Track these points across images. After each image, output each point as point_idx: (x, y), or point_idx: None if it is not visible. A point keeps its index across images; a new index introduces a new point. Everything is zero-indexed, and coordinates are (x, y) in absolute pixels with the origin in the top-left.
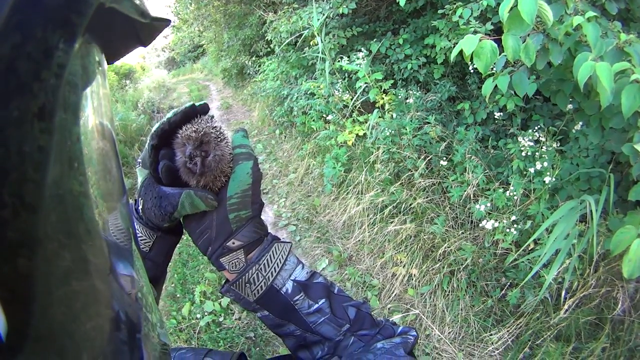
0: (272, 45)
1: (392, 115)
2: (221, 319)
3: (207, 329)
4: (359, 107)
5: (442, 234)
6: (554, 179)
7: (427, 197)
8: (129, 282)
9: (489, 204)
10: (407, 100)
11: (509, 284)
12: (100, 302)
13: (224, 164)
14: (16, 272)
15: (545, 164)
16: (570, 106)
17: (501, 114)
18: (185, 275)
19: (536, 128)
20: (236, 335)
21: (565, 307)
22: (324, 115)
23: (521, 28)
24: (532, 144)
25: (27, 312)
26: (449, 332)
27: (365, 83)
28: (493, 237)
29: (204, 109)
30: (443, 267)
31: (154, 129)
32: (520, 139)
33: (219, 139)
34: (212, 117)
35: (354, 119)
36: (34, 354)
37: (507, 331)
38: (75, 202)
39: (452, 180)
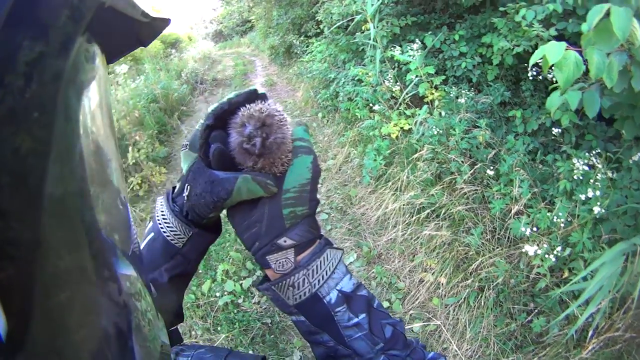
0: (322, 27)
1: (440, 113)
2: (240, 301)
3: (224, 308)
4: (407, 100)
5: (477, 246)
6: (603, 210)
7: (467, 205)
8: (124, 281)
9: (534, 228)
10: (458, 99)
11: (536, 310)
12: (95, 313)
13: (285, 149)
14: (13, 273)
15: (598, 192)
16: None
17: (558, 130)
18: (210, 251)
19: (593, 152)
20: (253, 320)
21: (590, 347)
22: (370, 104)
23: (609, 44)
24: (586, 167)
25: (27, 313)
26: (467, 349)
27: (417, 76)
28: (530, 261)
29: (264, 99)
30: (473, 282)
31: (210, 109)
32: (574, 160)
33: (281, 122)
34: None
35: (400, 112)
36: (33, 353)
37: (525, 359)
38: (73, 203)
39: (496, 191)
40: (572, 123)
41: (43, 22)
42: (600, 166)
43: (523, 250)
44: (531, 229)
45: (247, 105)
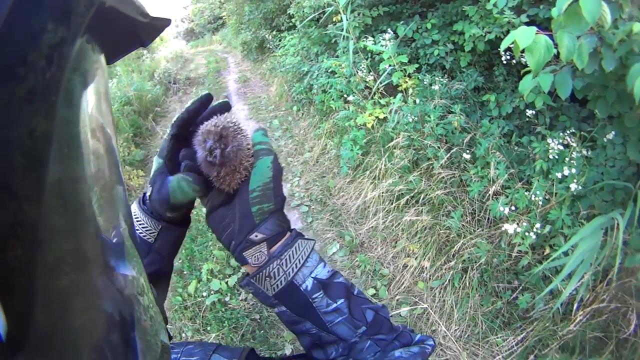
0: (294, 20)
1: (415, 101)
2: (227, 299)
3: (212, 307)
4: (381, 90)
5: (458, 228)
6: (579, 187)
7: (445, 189)
8: (126, 280)
9: (512, 207)
10: (432, 87)
11: (520, 287)
12: (97, 301)
13: (242, 155)
14: (10, 267)
15: (574, 170)
16: None
17: (532, 112)
18: (194, 251)
19: (567, 132)
20: (241, 316)
21: (577, 319)
22: (344, 95)
23: (579, 27)
24: (561, 147)
25: (27, 312)
26: (455, 330)
27: (390, 65)
28: (511, 240)
29: (227, 107)
30: (457, 264)
31: (173, 119)
32: (549, 140)
33: (236, 132)
34: (231, 114)
35: (375, 101)
36: (33, 352)
37: (513, 335)
38: (74, 193)
39: (473, 174)
40: (546, 105)
41: (68, 7)
42: (575, 145)
43: (503, 229)
44: (510, 209)
45: (205, 123)
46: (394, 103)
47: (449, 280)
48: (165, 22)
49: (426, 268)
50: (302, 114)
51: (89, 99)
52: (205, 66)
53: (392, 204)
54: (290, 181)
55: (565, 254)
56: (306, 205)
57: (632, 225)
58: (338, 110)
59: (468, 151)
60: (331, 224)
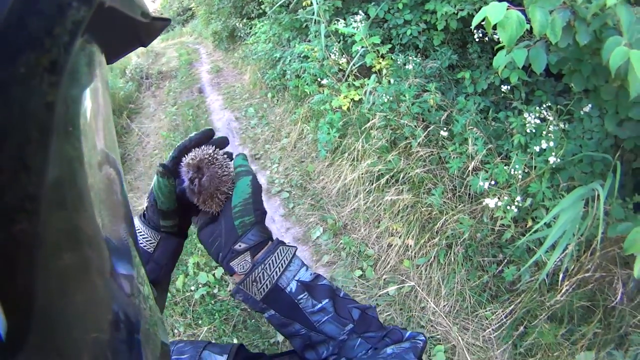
0: (263, 7)
1: (389, 81)
2: (215, 291)
3: (201, 301)
4: (355, 72)
5: (439, 205)
6: (558, 160)
7: (424, 167)
8: (129, 281)
9: (492, 182)
10: (406, 66)
11: (505, 260)
12: (100, 301)
13: (217, 182)
14: (16, 240)
15: (552, 143)
16: None
17: (506, 87)
18: None
19: (544, 106)
20: (231, 307)
21: (563, 289)
22: (318, 79)
23: (551, 1)
24: (538, 121)
25: (27, 311)
26: (444, 305)
27: (362, 47)
28: (493, 214)
29: (224, 142)
30: (440, 240)
31: (177, 145)
32: (525, 115)
33: (210, 163)
34: (213, 145)
35: (349, 84)
36: (34, 352)
37: (502, 308)
38: (73, 173)
39: (451, 151)
40: (521, 80)
41: None
42: (551, 119)
43: (484, 204)
44: (490, 184)
45: (186, 156)
46: (368, 84)
47: (434, 257)
48: (166, 22)
49: (411, 246)
50: (277, 100)
51: (88, 108)
52: (177, 59)
53: (372, 184)
54: (269, 168)
55: (548, 225)
56: (287, 192)
57: (612, 196)
58: (313, 95)
59: (445, 129)
60: (313, 208)
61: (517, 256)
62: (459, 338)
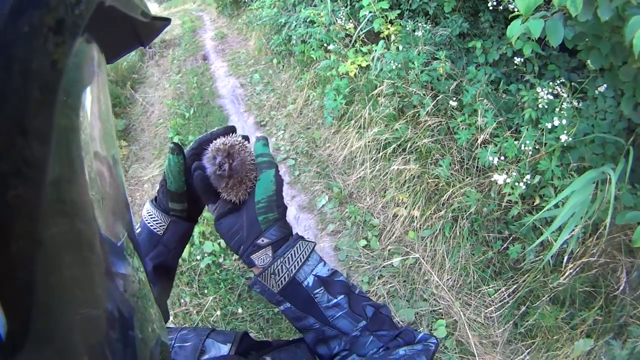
0: None
1: (398, 48)
2: (221, 260)
3: (207, 270)
4: (362, 37)
5: (446, 177)
6: (569, 139)
7: (432, 137)
8: (125, 279)
9: (502, 157)
10: (415, 33)
11: (511, 237)
12: (97, 299)
13: (247, 168)
14: (10, 207)
15: (564, 121)
16: None
17: (520, 59)
18: None
19: (557, 82)
20: (236, 276)
21: (567, 272)
22: (325, 45)
23: None
24: (550, 97)
25: (27, 311)
26: (448, 279)
27: (370, 12)
28: (500, 189)
29: (232, 130)
30: (447, 213)
31: (198, 138)
32: (538, 89)
33: (241, 149)
34: (235, 133)
35: (356, 50)
36: (33, 352)
37: (505, 285)
38: (70, 143)
39: (460, 122)
40: (535, 53)
41: None
42: (565, 95)
43: (493, 179)
44: (499, 158)
45: (214, 142)
46: (376, 50)
47: (440, 230)
48: (165, 22)
49: (416, 217)
50: (283, 66)
51: (88, 107)
52: (180, 26)
53: (379, 153)
54: (274, 135)
55: (556, 206)
56: (292, 159)
57: (623, 181)
58: (319, 60)
59: (455, 98)
60: (319, 175)
61: (522, 234)
62: (461, 313)
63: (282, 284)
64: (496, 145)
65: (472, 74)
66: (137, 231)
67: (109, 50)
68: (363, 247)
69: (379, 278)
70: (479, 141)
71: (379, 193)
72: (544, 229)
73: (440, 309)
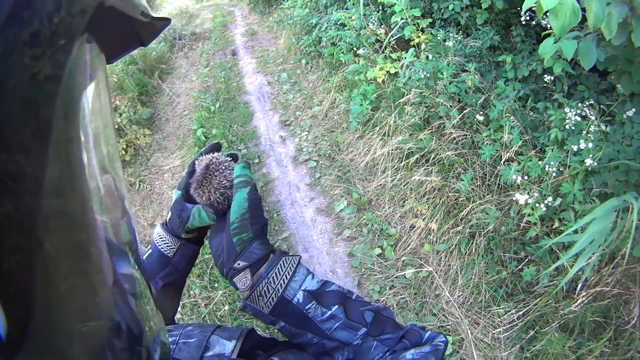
0: None
1: (427, 57)
2: None
3: None
4: (392, 44)
5: (467, 192)
6: (595, 163)
7: (456, 150)
8: (129, 282)
9: (525, 176)
10: (446, 43)
11: (527, 259)
12: (100, 305)
13: (213, 171)
14: (12, 210)
15: (590, 144)
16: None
17: (550, 77)
18: None
19: (586, 103)
20: None
21: (579, 300)
22: (354, 48)
23: None
24: (578, 118)
25: (27, 312)
26: (459, 296)
27: (402, 19)
28: (520, 209)
29: (218, 147)
30: (464, 229)
31: (192, 160)
32: (566, 109)
33: (209, 161)
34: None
35: (386, 55)
36: (33, 353)
37: (516, 307)
38: (72, 152)
39: (485, 137)
40: (565, 72)
41: None
42: (593, 118)
43: (514, 198)
44: (522, 177)
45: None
46: (405, 58)
47: (456, 245)
48: (165, 22)
49: (433, 230)
50: (311, 67)
51: (88, 107)
52: (211, 20)
53: (401, 162)
54: (298, 135)
55: (575, 231)
56: (314, 160)
57: None
58: (348, 64)
59: (481, 112)
60: (339, 179)
61: (538, 257)
62: (469, 331)
63: (271, 304)
64: (519, 164)
65: (501, 88)
66: (148, 252)
67: (110, 50)
68: (377, 255)
69: (390, 288)
70: (503, 158)
71: (398, 202)
72: (561, 254)
73: (448, 325)
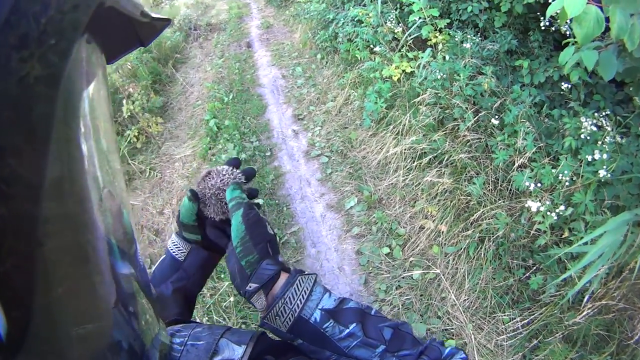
0: None
1: (444, 57)
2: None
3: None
4: (409, 43)
5: (478, 196)
6: (608, 175)
7: (469, 153)
8: (128, 281)
9: (538, 183)
10: (463, 44)
11: (535, 267)
12: (100, 305)
13: (215, 190)
14: (5, 213)
15: (605, 155)
16: None
17: (567, 85)
18: None
19: (602, 113)
20: None
21: (584, 312)
22: (371, 46)
23: (634, 5)
24: (594, 128)
25: (27, 313)
26: (465, 300)
27: (420, 18)
28: (532, 216)
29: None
30: (474, 233)
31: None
32: (582, 118)
33: (214, 174)
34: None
35: (402, 54)
36: (33, 353)
37: (521, 315)
38: (78, 172)
39: (499, 141)
40: (582, 80)
41: None
42: (609, 129)
43: (526, 205)
44: (535, 184)
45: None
46: (422, 57)
47: (464, 249)
48: (165, 23)
49: (442, 232)
50: (326, 62)
51: (88, 107)
52: (227, 12)
53: (413, 162)
54: (311, 130)
55: (585, 242)
56: (326, 156)
57: None
58: (363, 61)
59: (497, 117)
60: (351, 177)
61: (546, 266)
62: (472, 336)
63: (288, 324)
64: (532, 170)
65: (517, 93)
66: (162, 257)
67: (110, 51)
68: (385, 254)
69: (396, 288)
70: (516, 164)
71: (408, 202)
72: (569, 264)
73: (452, 328)
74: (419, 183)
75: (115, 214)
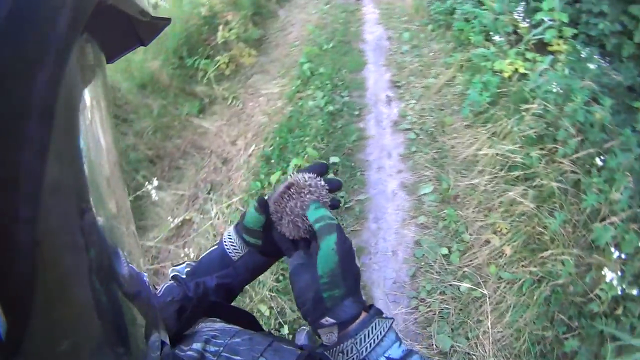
0: None
1: (564, 70)
2: None
3: None
4: (531, 42)
5: (553, 232)
6: None
7: (561, 183)
8: (126, 281)
9: (616, 248)
10: (588, 64)
11: (575, 330)
12: (100, 305)
13: (298, 210)
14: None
15: None
16: None
17: None
18: (287, 142)
19: None
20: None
21: None
22: (489, 32)
23: None
24: None
25: (27, 312)
26: (498, 332)
27: (549, 18)
28: (599, 279)
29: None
30: (536, 270)
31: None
32: None
33: (302, 190)
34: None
35: (519, 52)
36: (33, 353)
37: None
38: (78, 171)
39: (594, 182)
40: None
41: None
42: None
43: (603, 272)
44: (616, 247)
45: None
46: (542, 63)
47: (520, 281)
48: (165, 22)
49: (505, 255)
50: (437, 35)
51: (88, 106)
52: None
53: (502, 170)
54: (406, 101)
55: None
56: (415, 133)
57: None
58: (476, 46)
59: (601, 157)
60: (434, 162)
61: (587, 334)
62: None
63: None
64: (616, 229)
65: (626, 136)
66: (213, 248)
67: (109, 50)
68: (443, 255)
69: (440, 293)
70: (601, 213)
71: (483, 211)
72: (609, 343)
73: (475, 355)
74: (500, 195)
75: (114, 212)
